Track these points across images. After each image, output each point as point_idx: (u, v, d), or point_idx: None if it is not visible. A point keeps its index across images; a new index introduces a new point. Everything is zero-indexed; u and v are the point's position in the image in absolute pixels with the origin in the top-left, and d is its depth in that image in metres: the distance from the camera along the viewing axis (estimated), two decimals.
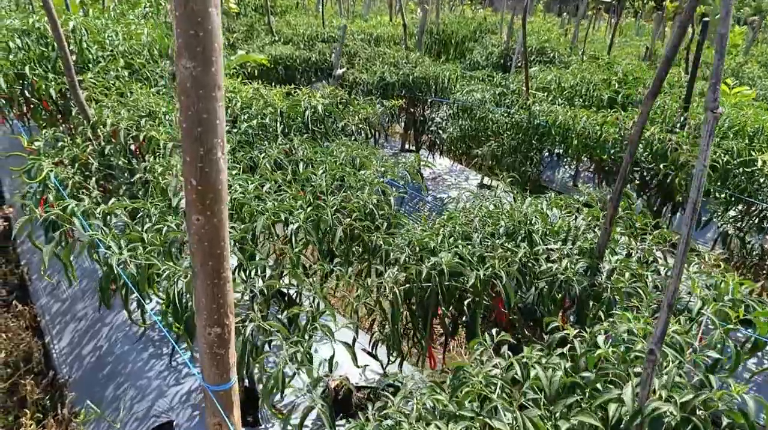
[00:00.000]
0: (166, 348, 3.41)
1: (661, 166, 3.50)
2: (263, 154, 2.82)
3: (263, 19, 9.40)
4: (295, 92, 3.61)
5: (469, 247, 2.08)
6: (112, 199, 2.16)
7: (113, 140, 3.39)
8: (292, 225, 2.08)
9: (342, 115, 3.28)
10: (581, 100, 4.90)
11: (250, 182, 2.30)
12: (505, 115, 5.23)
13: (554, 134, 4.27)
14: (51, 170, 3.02)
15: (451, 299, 2.01)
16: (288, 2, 10.64)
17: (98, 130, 3.35)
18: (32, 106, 4.32)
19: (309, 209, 2.20)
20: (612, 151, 3.92)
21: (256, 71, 6.90)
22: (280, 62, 7.31)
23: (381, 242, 2.18)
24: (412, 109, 6.48)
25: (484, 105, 5.36)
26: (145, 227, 2.19)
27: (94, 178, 3.26)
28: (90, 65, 4.14)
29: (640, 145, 3.96)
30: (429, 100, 6.30)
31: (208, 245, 1.16)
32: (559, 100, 5.20)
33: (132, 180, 3.33)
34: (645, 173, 4.14)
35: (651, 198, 4.34)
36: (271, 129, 3.12)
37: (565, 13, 24.44)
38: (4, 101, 4.14)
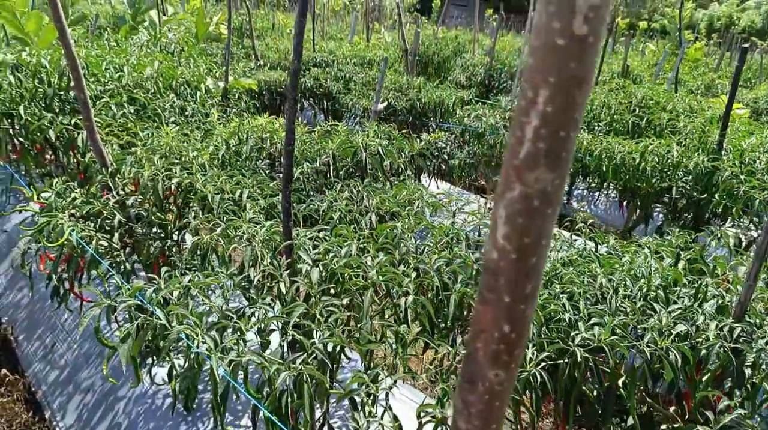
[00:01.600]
0: (201, 424, 3.01)
1: (716, 196, 3.39)
2: (325, 204, 2.52)
3: (240, 42, 9.04)
4: (331, 129, 3.33)
5: (607, 315, 1.85)
6: (189, 277, 1.81)
7: (134, 190, 3.01)
8: (405, 298, 1.79)
9: (392, 154, 3.02)
10: (601, 125, 4.81)
11: (339, 246, 2.00)
12: None
13: (587, 164, 4.13)
14: (72, 229, 2.62)
15: (599, 379, 1.76)
16: (265, 25, 10.30)
17: (117, 179, 2.95)
18: (21, 148, 3.85)
19: (414, 276, 1.92)
20: (653, 181, 3.80)
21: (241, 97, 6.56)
22: (269, 88, 6.98)
23: None
24: (414, 135, 6.26)
25: (498, 131, 5.21)
26: (218, 306, 1.86)
27: (117, 234, 2.86)
28: (90, 102, 3.71)
29: (680, 171, 3.87)
30: (433, 126, 6.11)
31: (500, 404, 0.83)
32: None
33: (161, 235, 2.94)
34: (678, 199, 4.05)
35: (683, 223, 4.27)
36: (321, 174, 2.82)
37: (524, 31, 25.01)
38: None
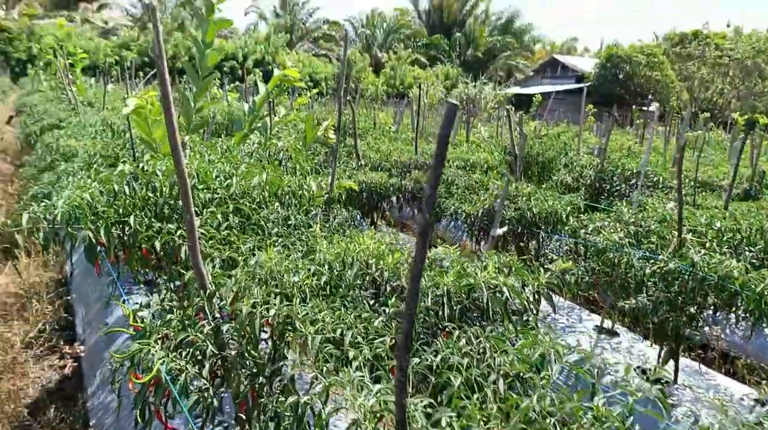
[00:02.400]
0: None
1: None
2: (439, 358, 2.12)
3: (343, 141, 9.25)
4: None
5: None
6: None
7: (231, 313, 2.80)
8: None
9: (517, 293, 2.60)
10: (754, 250, 4.11)
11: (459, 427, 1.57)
12: (650, 261, 4.46)
13: (745, 299, 3.45)
14: (162, 362, 2.41)
15: None
16: (366, 125, 10.59)
17: (214, 302, 2.77)
18: (129, 252, 3.87)
19: None
20: None
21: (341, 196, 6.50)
22: (368, 188, 6.90)
23: None
24: (521, 246, 5.85)
25: (622, 248, 4.62)
26: None
27: (207, 365, 2.63)
28: (197, 211, 3.69)
29: None
30: (543, 236, 5.65)
31: None
32: (716, 246, 4.42)
33: (253, 370, 2.67)
34: None
35: None
36: (431, 312, 2.46)
37: (629, 127, 24.23)
38: (100, 248, 3.71)
